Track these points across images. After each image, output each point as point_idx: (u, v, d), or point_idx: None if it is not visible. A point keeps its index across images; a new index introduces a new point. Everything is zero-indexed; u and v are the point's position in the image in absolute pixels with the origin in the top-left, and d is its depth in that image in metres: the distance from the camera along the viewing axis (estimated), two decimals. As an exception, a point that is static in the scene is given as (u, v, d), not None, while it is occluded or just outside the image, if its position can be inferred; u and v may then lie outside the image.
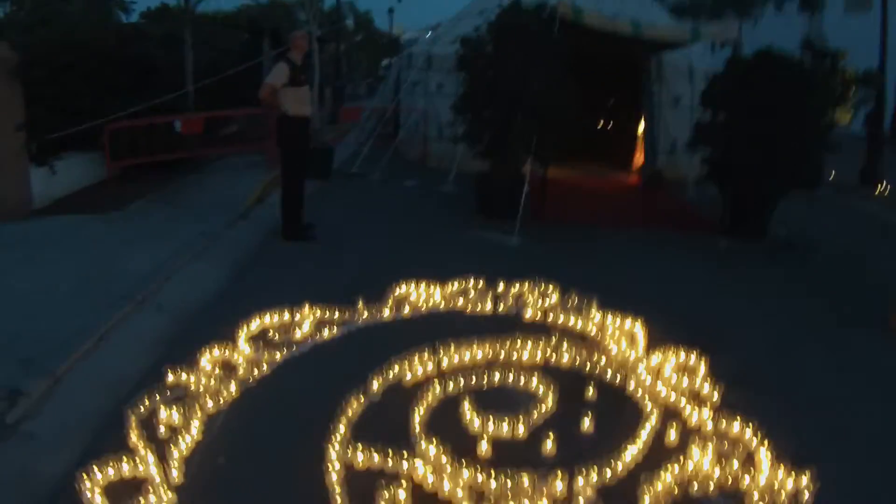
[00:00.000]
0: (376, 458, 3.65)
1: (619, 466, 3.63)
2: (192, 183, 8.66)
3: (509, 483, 3.47)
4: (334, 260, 6.31)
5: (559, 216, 8.05)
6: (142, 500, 3.29)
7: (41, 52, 7.94)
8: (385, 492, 3.41)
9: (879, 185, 12.93)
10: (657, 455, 3.73)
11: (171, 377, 4.09)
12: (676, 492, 3.53)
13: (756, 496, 3.45)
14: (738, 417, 3.96)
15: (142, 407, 3.83)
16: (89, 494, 3.24)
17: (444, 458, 3.61)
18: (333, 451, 3.68)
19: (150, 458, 3.51)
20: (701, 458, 3.66)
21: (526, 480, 3.47)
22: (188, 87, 10.10)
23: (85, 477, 3.31)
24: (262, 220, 7.37)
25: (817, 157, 7.97)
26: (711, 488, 3.56)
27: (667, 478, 3.56)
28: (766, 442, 3.73)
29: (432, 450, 3.66)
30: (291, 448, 3.73)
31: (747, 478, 3.57)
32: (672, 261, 6.79)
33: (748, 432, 3.82)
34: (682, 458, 3.68)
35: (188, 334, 4.46)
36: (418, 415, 3.86)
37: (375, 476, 3.52)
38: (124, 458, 3.47)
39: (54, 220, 6.60)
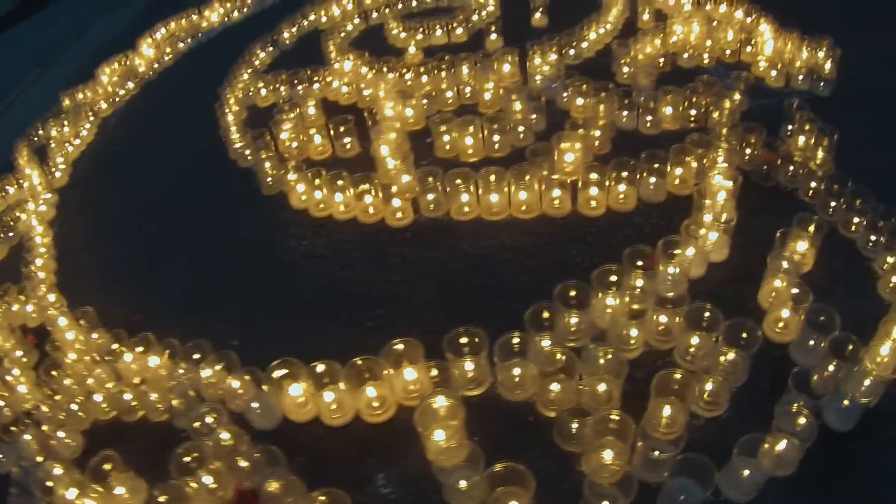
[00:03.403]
0: (282, 89, 2.46)
1: (584, 44, 2.39)
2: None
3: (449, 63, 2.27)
4: None
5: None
6: (16, 213, 2.30)
7: None
8: (289, 114, 2.23)
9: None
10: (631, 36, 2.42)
11: (66, 101, 2.87)
12: (662, 62, 2.31)
13: (764, 64, 2.22)
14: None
15: (34, 135, 2.68)
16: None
17: (364, 69, 2.39)
18: (231, 95, 2.47)
19: (35, 172, 2.43)
20: (686, 30, 2.37)
21: (467, 66, 2.26)
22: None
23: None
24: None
25: None
26: (706, 60, 2.33)
27: (646, 47, 2.32)
28: (764, 18, 2.35)
29: (348, 64, 2.44)
30: (195, 116, 2.57)
31: (749, 48, 2.31)
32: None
33: (739, 13, 2.44)
34: (662, 30, 2.40)
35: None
36: (333, 42, 2.61)
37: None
38: (4, 182, 2.41)
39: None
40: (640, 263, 1.53)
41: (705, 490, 1.18)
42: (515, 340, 1.42)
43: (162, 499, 1.31)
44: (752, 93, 2.08)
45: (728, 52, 2.29)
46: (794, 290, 1.44)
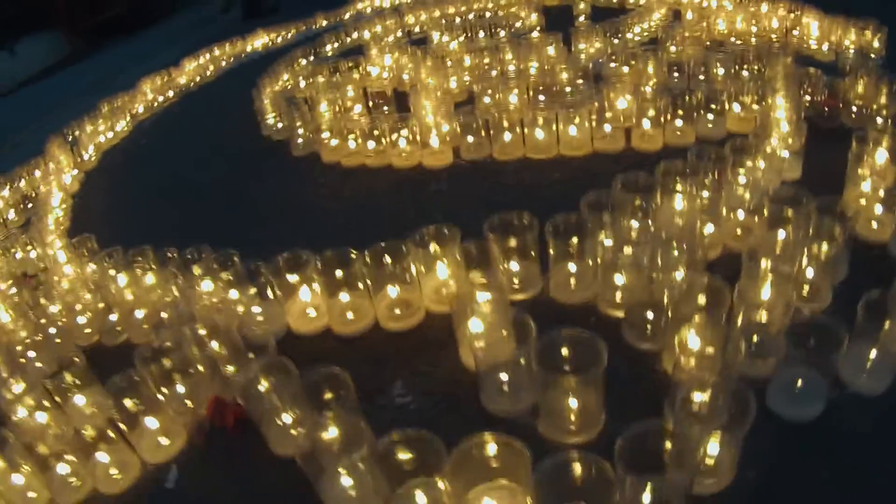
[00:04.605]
0: (321, 79, 2.37)
1: (629, 34, 2.29)
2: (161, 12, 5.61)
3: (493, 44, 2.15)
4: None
5: None
6: (41, 186, 2.22)
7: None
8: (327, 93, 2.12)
9: None
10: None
11: (105, 106, 2.83)
12: (709, 45, 2.14)
13: (814, 44, 2.09)
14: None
15: (70, 133, 2.63)
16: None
17: (403, 59, 2.31)
18: (269, 86, 2.40)
19: (63, 155, 2.37)
20: (730, 22, 2.25)
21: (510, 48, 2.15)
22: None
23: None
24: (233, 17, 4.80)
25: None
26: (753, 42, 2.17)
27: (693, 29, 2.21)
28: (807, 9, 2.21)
29: (388, 59, 2.36)
30: (231, 121, 2.45)
31: (795, 32, 2.17)
32: None
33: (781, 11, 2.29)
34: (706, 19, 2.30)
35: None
36: (375, 44, 2.54)
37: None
38: (33, 164, 2.33)
39: (21, 92, 4.92)
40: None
41: (830, 374, 0.91)
42: (574, 239, 1.19)
43: (127, 404, 1.05)
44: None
45: (774, 37, 2.16)
46: (882, 190, 1.22)
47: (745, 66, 1.89)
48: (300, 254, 1.24)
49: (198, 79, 3.04)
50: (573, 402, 0.95)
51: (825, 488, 0.86)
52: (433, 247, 1.20)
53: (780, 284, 1.03)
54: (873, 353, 0.94)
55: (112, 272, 1.43)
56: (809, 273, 1.08)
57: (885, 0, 2.34)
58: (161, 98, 2.89)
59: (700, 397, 0.90)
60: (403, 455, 0.82)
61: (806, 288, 1.08)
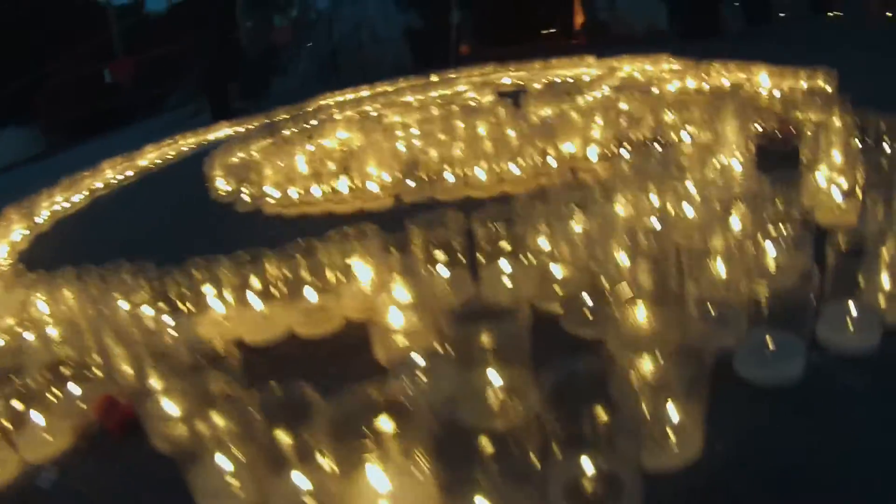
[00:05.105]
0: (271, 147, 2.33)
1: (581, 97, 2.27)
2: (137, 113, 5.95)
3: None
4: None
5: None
6: None
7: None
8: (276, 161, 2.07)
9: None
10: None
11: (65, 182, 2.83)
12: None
13: (764, 92, 2.06)
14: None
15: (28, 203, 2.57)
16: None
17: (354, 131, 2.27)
18: (219, 158, 2.35)
19: (14, 214, 2.33)
20: (682, 84, 2.28)
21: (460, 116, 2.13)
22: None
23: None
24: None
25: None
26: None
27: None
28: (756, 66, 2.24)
29: (343, 133, 2.33)
30: (187, 200, 2.36)
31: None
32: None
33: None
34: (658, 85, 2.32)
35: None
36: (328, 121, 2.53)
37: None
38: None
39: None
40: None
41: (805, 333, 0.77)
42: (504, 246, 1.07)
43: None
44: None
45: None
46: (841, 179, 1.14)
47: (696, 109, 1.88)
48: (212, 258, 1.13)
49: (158, 161, 3.06)
50: (497, 379, 0.80)
51: (808, 455, 0.69)
52: (352, 243, 1.08)
53: (737, 256, 0.91)
54: (852, 308, 0.80)
55: (32, 294, 1.29)
56: (771, 251, 0.96)
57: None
58: (121, 176, 2.90)
59: (647, 360, 0.74)
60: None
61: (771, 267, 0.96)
